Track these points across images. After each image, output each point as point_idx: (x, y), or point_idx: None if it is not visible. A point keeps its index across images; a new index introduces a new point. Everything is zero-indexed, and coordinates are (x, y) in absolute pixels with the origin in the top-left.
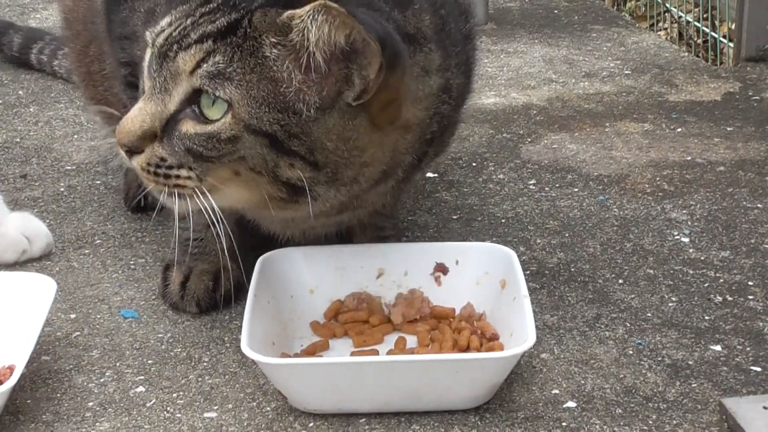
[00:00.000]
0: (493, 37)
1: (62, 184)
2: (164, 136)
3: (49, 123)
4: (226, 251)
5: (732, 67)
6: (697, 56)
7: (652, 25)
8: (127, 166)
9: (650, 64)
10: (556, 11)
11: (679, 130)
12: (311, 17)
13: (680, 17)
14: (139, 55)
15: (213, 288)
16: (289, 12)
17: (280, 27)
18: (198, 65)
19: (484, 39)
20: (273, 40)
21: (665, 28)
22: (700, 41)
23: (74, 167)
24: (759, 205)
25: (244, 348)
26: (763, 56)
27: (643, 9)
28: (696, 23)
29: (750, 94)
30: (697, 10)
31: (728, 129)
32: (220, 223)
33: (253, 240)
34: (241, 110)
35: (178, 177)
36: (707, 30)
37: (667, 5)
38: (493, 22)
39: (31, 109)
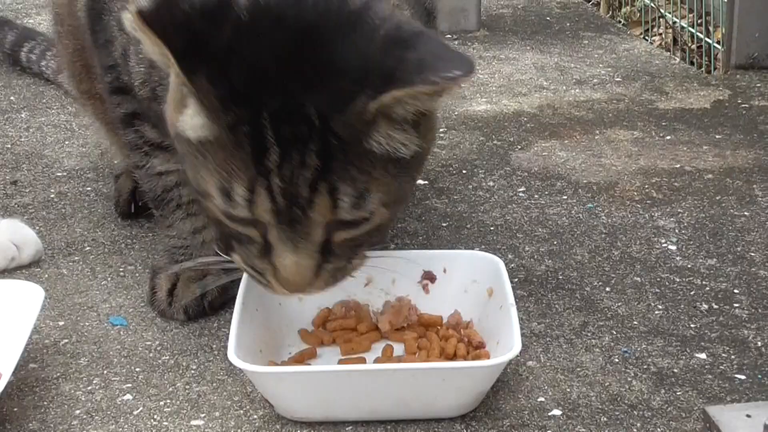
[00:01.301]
0: (485, 44)
1: (53, 191)
2: (325, 257)
3: (41, 129)
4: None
5: (722, 75)
6: (692, 62)
7: (647, 30)
8: (118, 172)
9: (641, 71)
10: (548, 18)
11: (668, 137)
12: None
13: (675, 23)
14: (117, 55)
15: (201, 295)
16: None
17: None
18: (332, 210)
19: (476, 46)
20: (381, 130)
21: (660, 34)
22: (694, 47)
23: (65, 173)
24: (746, 213)
25: (231, 356)
26: (753, 64)
27: (638, 15)
28: (690, 29)
29: (739, 101)
30: (691, 15)
31: (717, 137)
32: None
33: None
34: (383, 198)
35: (347, 269)
36: (701, 36)
37: (662, 11)
38: (486, 29)
39: (23, 115)
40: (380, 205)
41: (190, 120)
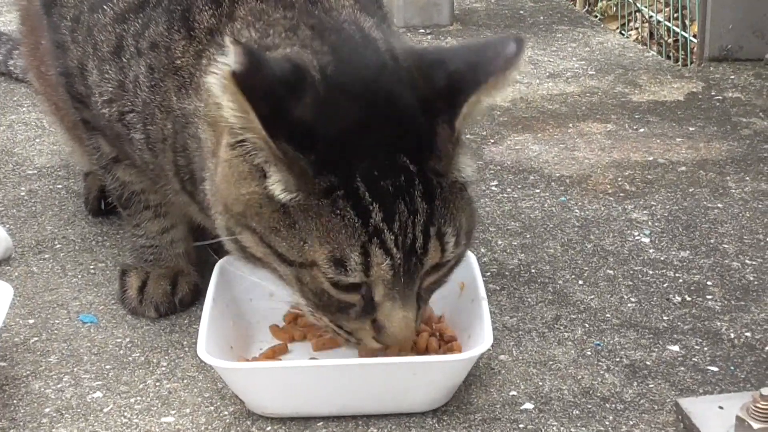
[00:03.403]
0: (458, 38)
1: (23, 189)
2: (418, 304)
3: (11, 127)
4: (183, 255)
5: (695, 67)
6: (668, 56)
7: (624, 24)
8: (86, 170)
9: (614, 64)
10: (521, 12)
11: (641, 130)
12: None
13: (651, 17)
14: (72, 66)
15: (171, 292)
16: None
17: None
18: (441, 253)
19: (449, 40)
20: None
21: (636, 28)
22: (670, 41)
23: (36, 171)
24: (719, 205)
25: (201, 352)
26: (726, 56)
27: (615, 9)
28: (666, 23)
29: (713, 93)
30: (667, 10)
31: (690, 129)
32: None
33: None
34: (467, 229)
35: (426, 312)
36: (677, 30)
37: (638, 5)
38: (459, 23)
39: None
40: (465, 237)
41: (278, 186)
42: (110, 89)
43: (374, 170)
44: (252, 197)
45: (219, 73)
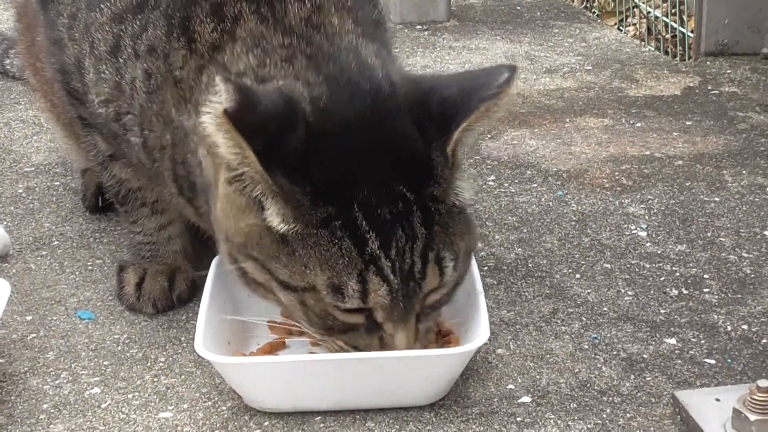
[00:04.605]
0: (455, 34)
1: (20, 186)
2: (419, 321)
3: (9, 124)
4: (180, 252)
5: (692, 62)
6: (666, 52)
7: (622, 20)
8: (84, 167)
9: (611, 59)
10: (518, 7)
11: (638, 124)
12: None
13: (649, 13)
14: (69, 63)
15: (169, 288)
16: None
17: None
18: (440, 278)
19: (446, 36)
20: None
21: (634, 24)
22: (668, 36)
23: (33, 168)
24: (716, 199)
25: (198, 348)
26: (723, 51)
27: (613, 5)
28: (664, 18)
29: (709, 88)
30: (665, 5)
31: (687, 123)
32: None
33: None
34: (465, 251)
35: (432, 327)
36: (675, 25)
37: (636, 1)
38: (455, 19)
39: None
40: (464, 258)
41: (276, 217)
42: (107, 89)
43: (371, 199)
44: (251, 229)
45: (212, 112)
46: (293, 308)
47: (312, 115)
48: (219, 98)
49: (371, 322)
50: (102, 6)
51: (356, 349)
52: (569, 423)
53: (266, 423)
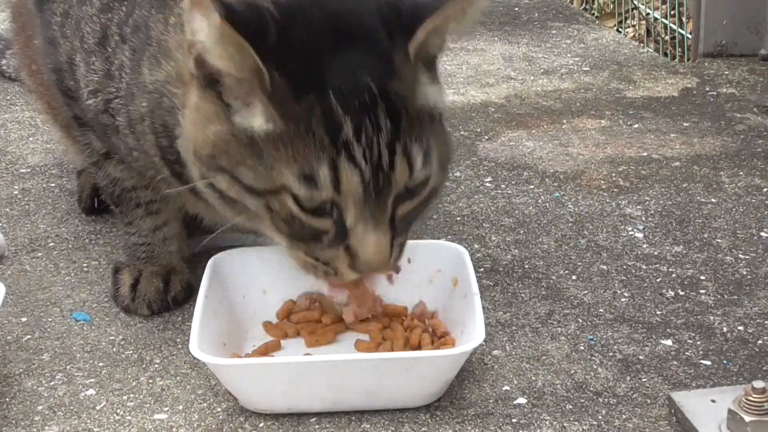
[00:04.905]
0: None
1: (16, 187)
2: (392, 232)
3: (5, 125)
4: (176, 253)
5: (690, 63)
6: (665, 53)
7: (620, 22)
8: (80, 168)
9: (609, 60)
10: (516, 8)
11: (635, 126)
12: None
13: (648, 14)
14: (62, 61)
15: (164, 290)
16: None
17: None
18: (409, 172)
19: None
20: (424, 81)
21: (633, 25)
22: (667, 38)
23: (29, 170)
24: (713, 200)
25: (193, 349)
26: (721, 52)
27: (612, 6)
28: (663, 20)
29: (707, 89)
30: (664, 7)
31: (684, 124)
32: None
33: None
34: (438, 155)
35: (404, 244)
36: (674, 26)
37: (635, 2)
38: None
39: None
40: (437, 164)
41: (256, 118)
42: (95, 79)
43: (342, 88)
44: (218, 137)
45: (207, 28)
46: (261, 215)
47: (276, 10)
48: (205, 10)
49: (340, 227)
50: None
51: (326, 266)
52: (565, 424)
53: (261, 424)
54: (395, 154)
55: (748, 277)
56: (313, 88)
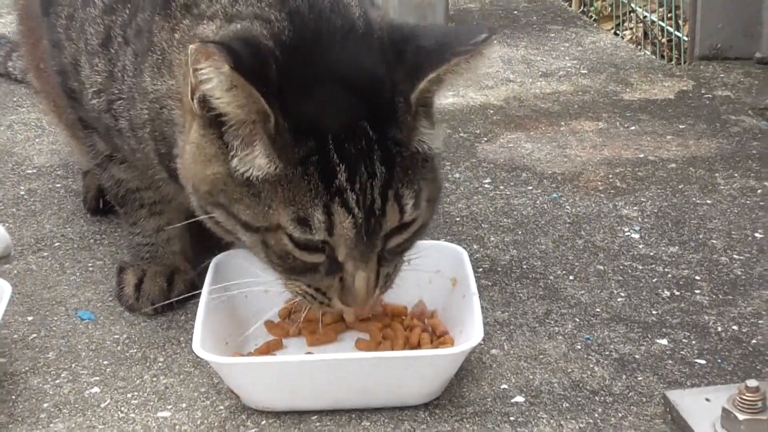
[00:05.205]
0: None
1: (22, 188)
2: (380, 264)
3: (11, 127)
4: (179, 253)
5: (686, 66)
6: (662, 56)
7: (618, 25)
8: (85, 169)
9: (606, 63)
10: (515, 12)
11: (632, 128)
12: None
13: (645, 17)
14: (66, 62)
15: (168, 289)
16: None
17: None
18: (400, 215)
19: None
20: (421, 128)
21: (631, 28)
22: (664, 40)
23: (35, 171)
24: (708, 201)
25: (196, 348)
26: (717, 55)
27: (610, 9)
28: (660, 23)
29: (703, 92)
30: (661, 10)
31: (680, 126)
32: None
33: (207, 242)
34: (428, 195)
35: (394, 275)
36: (671, 29)
37: (633, 5)
38: (454, 23)
39: None
40: (426, 203)
41: (257, 159)
42: (99, 80)
43: (340, 134)
44: (216, 177)
45: (216, 76)
46: (256, 250)
47: (278, 51)
48: (213, 61)
49: (332, 262)
50: (95, 1)
51: (317, 291)
52: (561, 422)
53: (263, 422)
54: (387, 200)
55: (743, 277)
56: (313, 132)
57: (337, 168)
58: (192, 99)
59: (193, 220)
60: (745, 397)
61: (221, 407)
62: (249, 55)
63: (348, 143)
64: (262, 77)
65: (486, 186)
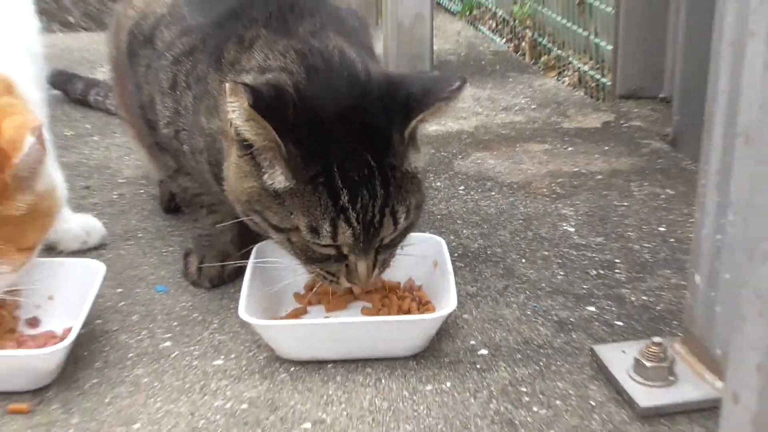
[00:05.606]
0: None
1: (115, 193)
2: (377, 254)
3: (108, 148)
4: (230, 242)
5: (609, 103)
6: (591, 96)
7: (560, 72)
8: (160, 179)
9: (551, 100)
10: (483, 62)
11: (570, 149)
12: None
13: (579, 68)
14: (145, 100)
15: (221, 269)
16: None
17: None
18: (394, 227)
19: None
20: (409, 155)
21: (569, 75)
22: (593, 84)
23: (125, 180)
24: (625, 203)
25: (241, 313)
26: (632, 95)
27: (553, 62)
28: (590, 71)
29: (622, 122)
30: (591, 62)
31: (605, 148)
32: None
33: (250, 234)
34: (416, 204)
35: (389, 260)
36: (598, 76)
37: (570, 59)
38: (437, 71)
39: (95, 138)
40: (415, 209)
41: (277, 177)
42: (168, 114)
43: (345, 163)
44: (252, 190)
45: (238, 109)
46: (283, 244)
47: (296, 97)
48: (239, 98)
49: (340, 254)
50: (166, 54)
51: (329, 273)
52: (515, 369)
53: (292, 368)
54: (384, 216)
55: (651, 260)
56: (320, 159)
57: (341, 191)
58: (230, 127)
59: (239, 219)
60: (651, 350)
61: (261, 357)
62: (271, 97)
63: (352, 171)
64: (280, 114)
65: (460, 192)
